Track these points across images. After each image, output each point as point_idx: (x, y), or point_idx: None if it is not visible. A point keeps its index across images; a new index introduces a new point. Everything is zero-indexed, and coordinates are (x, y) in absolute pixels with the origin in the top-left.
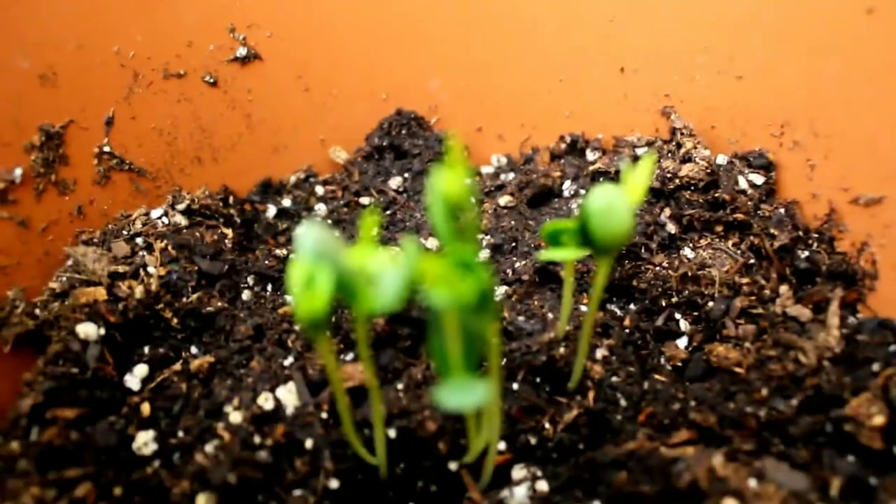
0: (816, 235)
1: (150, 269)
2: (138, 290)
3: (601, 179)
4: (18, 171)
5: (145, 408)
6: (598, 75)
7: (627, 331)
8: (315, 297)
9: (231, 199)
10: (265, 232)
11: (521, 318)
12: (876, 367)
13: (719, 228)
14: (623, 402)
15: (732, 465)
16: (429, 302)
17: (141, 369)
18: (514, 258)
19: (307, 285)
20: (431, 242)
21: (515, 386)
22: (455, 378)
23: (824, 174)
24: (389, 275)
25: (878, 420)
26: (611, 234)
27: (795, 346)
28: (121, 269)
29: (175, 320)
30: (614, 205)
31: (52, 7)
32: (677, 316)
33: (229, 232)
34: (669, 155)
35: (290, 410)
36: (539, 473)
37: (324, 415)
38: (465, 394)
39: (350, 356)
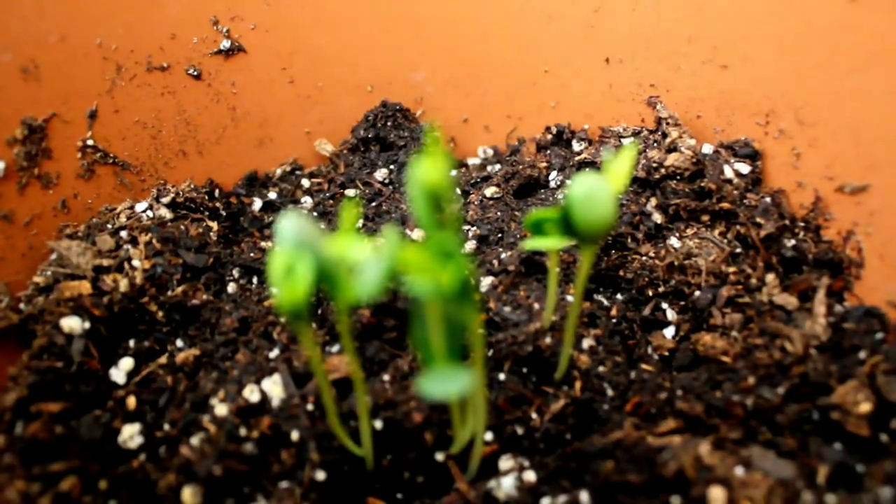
0: (802, 224)
1: (135, 263)
2: (123, 284)
3: (587, 170)
4: (1, 165)
5: (131, 401)
6: (583, 66)
7: (614, 321)
8: (295, 286)
9: (216, 193)
10: (251, 225)
11: (507, 309)
12: (862, 354)
13: (705, 218)
14: (610, 392)
15: (719, 454)
16: (411, 291)
17: (126, 363)
18: (501, 249)
19: (287, 275)
20: (417, 233)
21: (502, 376)
22: (438, 367)
23: (810, 163)
24: (370, 264)
25: (865, 407)
26: (593, 222)
27: (782, 335)
28: (105, 262)
29: (160, 313)
30: (596, 193)
31: None
32: (664, 305)
33: (214, 225)
34: (655, 144)
35: (275, 402)
36: (526, 464)
37: (310, 407)
38: (448, 382)
39: (336, 348)
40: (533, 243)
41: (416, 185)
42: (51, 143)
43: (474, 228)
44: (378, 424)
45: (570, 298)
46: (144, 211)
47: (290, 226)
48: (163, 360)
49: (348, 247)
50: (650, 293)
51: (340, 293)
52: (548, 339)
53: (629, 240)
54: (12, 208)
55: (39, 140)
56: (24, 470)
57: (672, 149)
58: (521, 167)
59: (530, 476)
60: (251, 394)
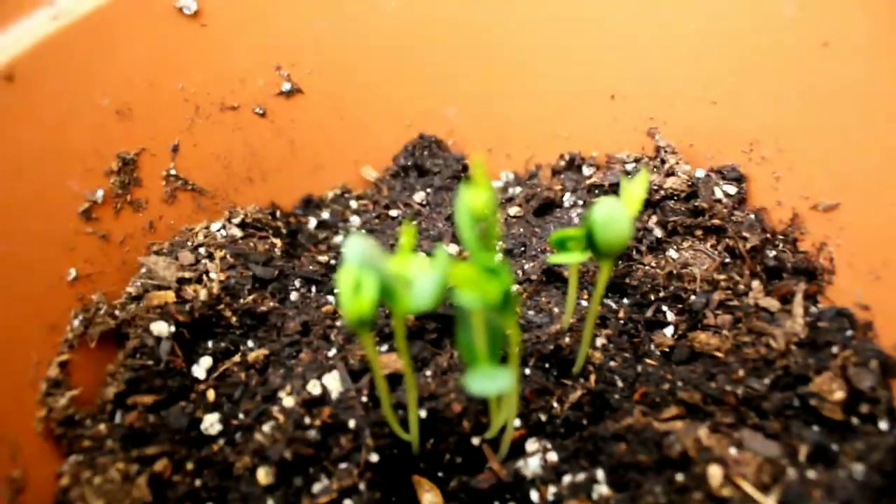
0: (782, 237)
1: (212, 275)
2: (202, 293)
3: (596, 191)
4: (100, 193)
5: (210, 394)
6: (591, 102)
7: (622, 322)
8: (363, 300)
9: (278, 213)
10: (308, 241)
11: (531, 313)
12: (835, 349)
13: (699, 232)
14: (620, 384)
15: (716, 436)
16: (458, 301)
17: (206, 361)
18: (524, 261)
19: (355, 290)
20: (452, 248)
21: (528, 371)
22: (481, 367)
23: (788, 184)
24: (426, 279)
25: (839, 395)
26: (613, 241)
27: (766, 333)
28: (187, 275)
29: (234, 318)
30: (615, 215)
31: (127, 53)
32: (664, 308)
33: (278, 241)
34: (655, 170)
35: (334, 395)
36: (549, 446)
37: (364, 398)
38: (490, 381)
39: (384, 348)
40: (558, 258)
41: (463, 210)
42: (140, 173)
43: (500, 243)
44: (423, 413)
45: (584, 303)
46: (219, 230)
47: (356, 246)
48: (237, 358)
49: (407, 265)
50: (652, 298)
51: (398, 304)
52: (567, 339)
53: (634, 252)
54: (109, 229)
55: (131, 171)
56: (124, 453)
57: (670, 173)
58: (538, 189)
59: (553, 457)
60: (313, 388)
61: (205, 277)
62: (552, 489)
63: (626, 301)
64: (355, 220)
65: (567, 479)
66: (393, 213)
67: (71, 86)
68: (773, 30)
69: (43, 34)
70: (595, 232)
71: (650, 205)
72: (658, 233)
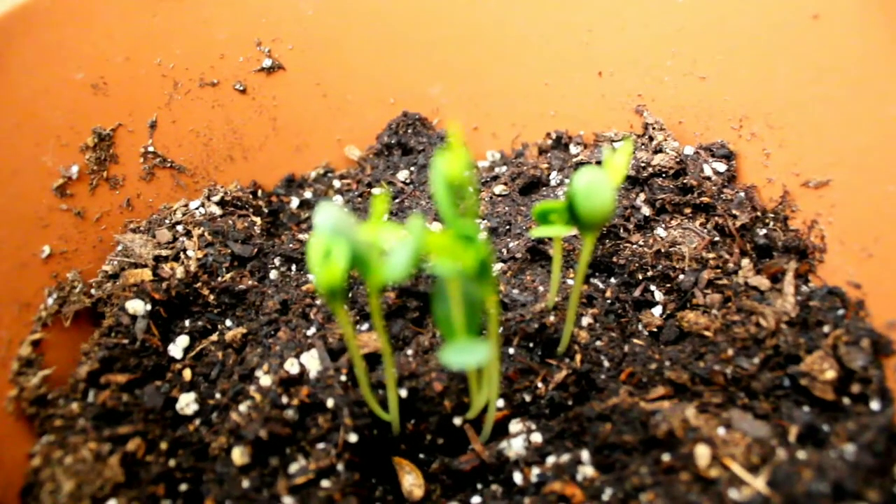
0: (772, 215)
1: (190, 253)
2: (179, 271)
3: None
4: (75, 169)
5: (187, 373)
6: (578, 79)
7: (609, 301)
8: (332, 268)
9: (259, 192)
10: (289, 220)
11: (515, 291)
12: (826, 328)
13: (688, 210)
14: (606, 364)
15: (703, 416)
16: (434, 271)
17: (182, 340)
18: (509, 239)
19: (325, 258)
20: (435, 226)
21: (511, 350)
22: (459, 340)
23: (778, 161)
24: (399, 247)
25: (830, 375)
26: (595, 211)
27: (756, 312)
28: (164, 252)
29: (211, 297)
30: (597, 184)
31: (102, 25)
32: (652, 287)
33: (258, 220)
34: (643, 147)
35: (313, 374)
36: (533, 427)
37: (343, 378)
38: (467, 353)
39: (365, 326)
40: (540, 231)
41: (438, 178)
42: (117, 149)
43: (485, 222)
44: (403, 393)
45: (570, 282)
46: (197, 208)
47: (328, 215)
48: (214, 337)
49: (379, 233)
50: (640, 277)
51: (372, 274)
52: (551, 318)
53: (621, 230)
54: (84, 206)
55: (107, 147)
56: (96, 432)
57: (658, 150)
58: (525, 168)
59: (537, 437)
60: (291, 367)
61: (182, 255)
62: (536, 470)
63: (613, 280)
64: (338, 199)
65: (551, 460)
66: (376, 191)
67: (43, 58)
68: (762, 2)
69: (14, 4)
70: (577, 202)
71: (638, 182)
72: (646, 211)
